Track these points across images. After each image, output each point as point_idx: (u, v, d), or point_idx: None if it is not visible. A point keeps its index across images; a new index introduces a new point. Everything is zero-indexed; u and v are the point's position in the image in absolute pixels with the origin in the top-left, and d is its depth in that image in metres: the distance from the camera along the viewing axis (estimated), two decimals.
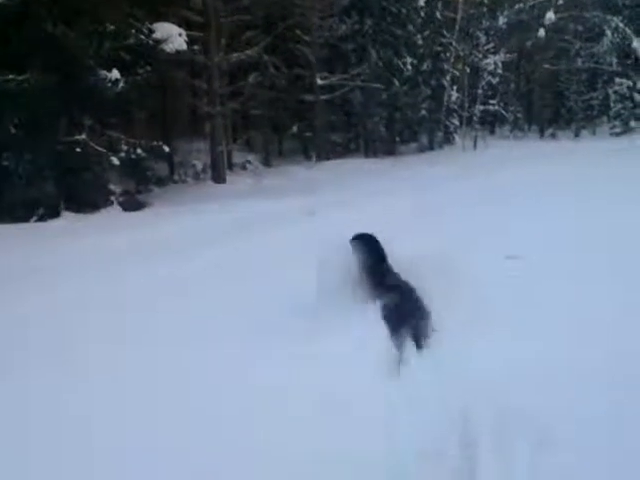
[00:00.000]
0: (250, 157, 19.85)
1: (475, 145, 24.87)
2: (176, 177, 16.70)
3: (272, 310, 3.95)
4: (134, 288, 5.08)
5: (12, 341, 3.90)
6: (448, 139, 25.75)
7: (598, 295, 4.14)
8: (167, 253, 6.58)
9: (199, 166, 17.11)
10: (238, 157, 19.57)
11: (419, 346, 3.29)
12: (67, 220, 10.44)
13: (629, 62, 28.07)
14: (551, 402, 2.77)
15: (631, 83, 26.66)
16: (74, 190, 11.27)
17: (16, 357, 3.62)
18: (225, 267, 5.70)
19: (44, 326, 4.17)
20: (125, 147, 11.69)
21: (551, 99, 32.01)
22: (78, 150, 10.76)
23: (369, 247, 3.88)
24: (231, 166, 18.22)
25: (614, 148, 18.64)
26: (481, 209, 8.18)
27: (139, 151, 11.76)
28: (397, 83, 22.33)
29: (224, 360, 3.24)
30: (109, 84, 10.88)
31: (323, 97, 20.53)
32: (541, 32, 27.68)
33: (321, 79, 20.32)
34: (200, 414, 2.74)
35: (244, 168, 18.84)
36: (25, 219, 10.25)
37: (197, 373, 3.14)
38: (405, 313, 3.40)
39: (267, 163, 20.30)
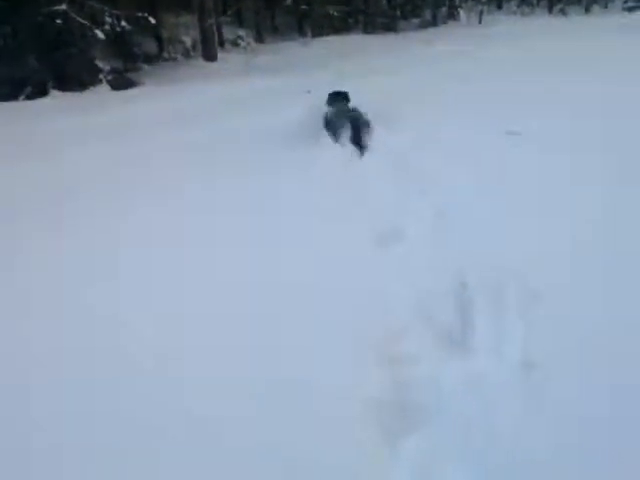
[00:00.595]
0: (241, 33, 18.77)
1: (480, 20, 23.51)
2: (165, 55, 15.90)
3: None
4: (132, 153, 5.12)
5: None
6: (452, 14, 24.25)
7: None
8: (163, 127, 6.46)
9: (188, 42, 16.23)
10: (229, 33, 18.49)
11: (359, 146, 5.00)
12: (55, 99, 10.10)
13: None
14: None
15: None
16: (61, 67, 10.77)
17: None
18: (225, 137, 5.68)
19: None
20: (109, 19, 11.00)
21: None
22: (59, 22, 10.11)
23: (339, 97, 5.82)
24: (222, 43, 17.30)
25: (624, 24, 17.66)
26: (476, 85, 7.97)
27: (124, 24, 11.09)
28: None
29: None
30: None
31: None
32: None
33: None
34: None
35: (236, 45, 17.89)
36: (13, 97, 9.92)
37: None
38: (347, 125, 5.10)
39: (260, 39, 19.25)
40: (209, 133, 6.05)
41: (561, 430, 1.96)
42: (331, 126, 5.23)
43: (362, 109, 5.44)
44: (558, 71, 8.57)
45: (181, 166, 4.96)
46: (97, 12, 10.98)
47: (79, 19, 10.36)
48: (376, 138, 5.12)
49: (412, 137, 5.23)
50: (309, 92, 8.63)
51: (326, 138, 5.09)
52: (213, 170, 4.77)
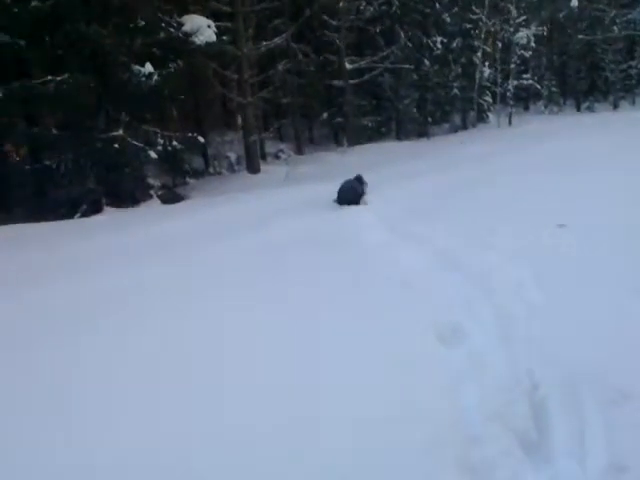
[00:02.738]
0: (282, 146, 19.89)
1: (510, 122, 24.29)
2: (211, 169, 16.88)
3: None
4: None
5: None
6: (482, 117, 25.19)
7: None
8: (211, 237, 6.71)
9: (233, 157, 17.24)
10: (271, 147, 19.62)
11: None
12: (109, 215, 10.65)
13: None
14: None
15: None
16: (115, 186, 11.51)
17: None
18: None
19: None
20: (161, 141, 11.84)
21: (586, 71, 30.90)
22: (116, 146, 10.93)
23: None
24: (264, 156, 18.29)
25: None
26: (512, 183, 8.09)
27: (175, 143, 11.89)
28: (427, 63, 21.99)
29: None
30: (143, 78, 11.04)
31: (352, 82, 20.36)
32: (574, 1, 26.82)
33: (350, 63, 20.14)
34: None
35: (277, 157, 18.89)
36: (69, 216, 10.48)
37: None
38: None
39: (299, 151, 20.28)
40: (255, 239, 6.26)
41: None
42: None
43: None
44: (587, 166, 8.62)
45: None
46: (150, 135, 11.85)
47: (134, 142, 11.18)
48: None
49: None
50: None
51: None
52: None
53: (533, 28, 25.47)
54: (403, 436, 2.39)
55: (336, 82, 20.33)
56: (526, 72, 26.72)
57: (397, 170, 12.31)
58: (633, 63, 29.03)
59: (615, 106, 28.59)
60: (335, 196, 8.51)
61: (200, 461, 2.32)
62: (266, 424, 2.52)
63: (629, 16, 27.98)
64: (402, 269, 4.63)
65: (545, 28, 28.38)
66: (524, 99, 30.26)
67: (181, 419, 2.61)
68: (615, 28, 28.17)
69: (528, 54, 25.63)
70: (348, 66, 20.06)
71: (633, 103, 28.79)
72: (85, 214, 10.78)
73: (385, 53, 20.70)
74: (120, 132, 11.11)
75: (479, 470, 2.22)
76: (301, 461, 2.29)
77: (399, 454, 2.31)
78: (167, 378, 3.01)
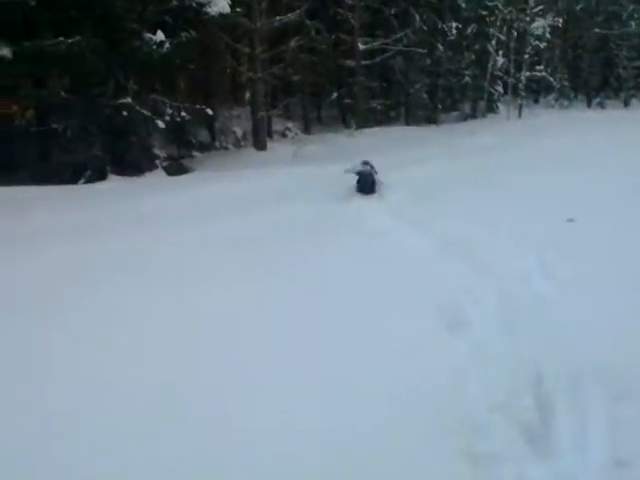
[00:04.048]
0: (290, 124, 19.71)
1: (520, 114, 24.08)
2: (217, 144, 16.73)
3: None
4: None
5: None
6: (491, 107, 24.94)
7: None
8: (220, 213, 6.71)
9: (239, 133, 17.07)
10: (278, 124, 19.43)
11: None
12: (114, 183, 10.60)
13: None
14: None
15: None
16: (120, 154, 11.44)
17: None
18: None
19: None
20: (169, 111, 11.73)
21: (599, 66, 30.53)
22: (124, 114, 10.84)
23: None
24: (271, 133, 18.12)
25: None
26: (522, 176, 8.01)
27: (183, 114, 11.79)
28: (440, 48, 21.72)
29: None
30: (154, 47, 10.90)
31: (364, 62, 20.12)
32: None
33: (363, 44, 19.88)
34: None
35: (284, 135, 18.72)
36: (73, 181, 10.44)
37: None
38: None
39: (307, 131, 20.12)
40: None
41: None
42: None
43: None
44: (596, 165, 8.52)
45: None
46: (159, 104, 11.75)
47: (142, 111, 11.09)
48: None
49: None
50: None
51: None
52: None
53: (549, 19, 25.15)
54: (406, 423, 2.38)
55: (348, 62, 20.10)
56: (539, 64, 26.41)
57: (406, 156, 12.19)
58: None
59: (626, 104, 28.33)
60: (352, 182, 8.07)
61: None
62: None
63: None
64: (411, 254, 4.63)
65: (561, 20, 27.96)
66: (535, 91, 29.96)
67: None
68: (632, 23, 27.77)
69: (542, 45, 25.35)
70: (361, 46, 19.79)
71: None
72: (89, 180, 10.75)
73: (399, 35, 20.39)
74: (129, 100, 11.02)
75: (483, 461, 2.22)
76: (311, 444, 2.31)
77: (402, 442, 2.29)
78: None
